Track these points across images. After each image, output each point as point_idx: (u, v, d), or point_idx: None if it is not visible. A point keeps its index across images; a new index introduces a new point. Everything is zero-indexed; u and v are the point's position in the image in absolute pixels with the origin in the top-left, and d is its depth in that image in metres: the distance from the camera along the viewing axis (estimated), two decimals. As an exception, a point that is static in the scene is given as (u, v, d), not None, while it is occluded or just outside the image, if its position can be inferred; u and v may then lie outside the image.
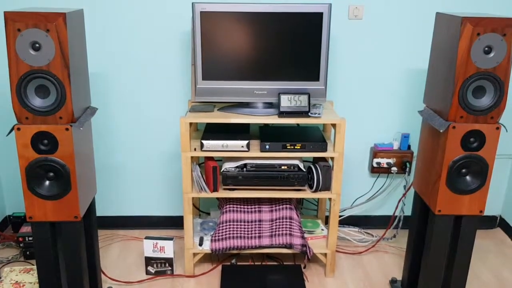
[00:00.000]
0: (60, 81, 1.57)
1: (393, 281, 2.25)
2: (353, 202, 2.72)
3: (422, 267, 1.95)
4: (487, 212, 2.77)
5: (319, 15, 2.08)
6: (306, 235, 2.35)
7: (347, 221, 2.74)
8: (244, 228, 2.27)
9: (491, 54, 1.63)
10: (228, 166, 2.17)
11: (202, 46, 2.11)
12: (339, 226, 2.69)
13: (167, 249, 2.26)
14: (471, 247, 1.87)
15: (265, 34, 2.10)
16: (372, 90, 2.51)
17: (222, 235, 2.26)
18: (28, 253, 2.41)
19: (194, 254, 2.29)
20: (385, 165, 2.57)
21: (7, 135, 1.65)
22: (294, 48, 2.12)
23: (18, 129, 1.61)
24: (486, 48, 1.62)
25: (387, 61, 2.47)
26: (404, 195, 2.58)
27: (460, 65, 1.64)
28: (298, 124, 2.43)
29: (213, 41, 2.10)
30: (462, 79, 1.65)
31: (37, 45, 1.53)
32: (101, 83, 2.46)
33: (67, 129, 1.62)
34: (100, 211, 2.68)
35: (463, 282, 1.92)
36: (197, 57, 2.12)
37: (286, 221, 2.26)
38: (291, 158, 2.20)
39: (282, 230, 2.25)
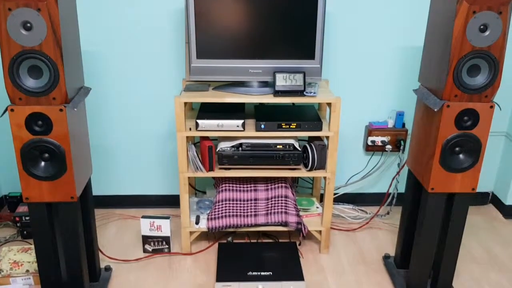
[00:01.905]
0: (53, 62, 1.56)
1: (386, 257, 2.29)
2: (348, 180, 2.74)
3: (415, 243, 1.99)
4: (480, 188, 2.80)
5: (314, -8, 2.05)
6: (301, 213, 2.37)
7: (342, 199, 2.77)
8: (240, 206, 2.30)
9: (487, 33, 1.62)
10: (223, 145, 2.17)
11: (196, 23, 2.08)
12: (333, 204, 2.73)
13: (164, 227, 2.28)
14: (463, 223, 1.90)
15: (260, 11, 2.08)
16: (368, 68, 2.51)
17: (218, 214, 2.28)
18: (25, 232, 2.42)
19: (191, 233, 2.31)
20: (379, 143, 2.59)
21: (1, 115, 1.64)
22: (290, 25, 2.10)
23: (12, 110, 1.60)
24: (482, 27, 1.62)
25: (383, 38, 2.45)
26: (398, 173, 2.60)
27: (455, 44, 1.63)
28: (293, 103, 2.43)
29: (207, 19, 2.08)
30: (457, 58, 1.65)
31: (28, 24, 1.51)
32: (94, 62, 2.43)
33: (61, 110, 1.61)
34: (96, 191, 2.69)
35: (455, 258, 1.96)
36: (191, 35, 2.10)
37: (281, 200, 2.28)
38: (287, 137, 2.20)
39: (278, 209, 2.28)
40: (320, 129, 2.13)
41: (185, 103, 2.09)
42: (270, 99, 2.10)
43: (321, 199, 2.61)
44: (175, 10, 2.35)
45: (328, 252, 2.37)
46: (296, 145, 2.18)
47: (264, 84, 2.23)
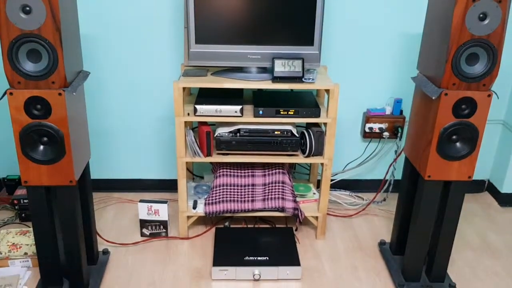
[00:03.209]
0: (52, 45, 1.55)
1: (381, 243, 2.31)
2: (345, 167, 2.76)
3: (410, 230, 2.01)
4: (476, 176, 2.82)
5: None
6: (298, 199, 2.39)
7: (339, 185, 2.79)
8: (237, 192, 2.31)
9: (486, 21, 1.62)
10: (221, 131, 2.18)
11: (195, 8, 2.07)
12: (330, 190, 2.74)
13: (162, 212, 2.30)
14: (459, 211, 1.92)
15: (259, -3, 2.07)
16: (367, 55, 2.50)
17: (215, 199, 2.29)
18: (23, 215, 2.43)
19: (188, 217, 2.33)
20: (377, 130, 2.59)
21: (0, 99, 1.64)
22: (289, 11, 2.09)
23: (11, 93, 1.60)
24: (481, 15, 1.61)
25: (382, 25, 2.45)
26: (395, 160, 2.61)
27: (454, 32, 1.63)
28: (291, 89, 2.43)
29: (206, 4, 2.07)
30: (456, 46, 1.65)
31: (27, 8, 1.50)
32: (93, 46, 2.42)
33: (60, 94, 1.61)
34: (94, 174, 2.69)
35: (450, 245, 1.98)
36: (190, 20, 2.09)
37: (278, 185, 2.30)
38: (285, 123, 2.21)
39: (275, 194, 2.29)
40: (318, 115, 2.13)
41: (184, 88, 2.09)
42: (268, 85, 2.10)
43: (318, 185, 2.62)
44: (174, -6, 2.34)
45: (324, 238, 2.39)
46: (294, 131, 2.19)
47: (263, 70, 2.23)
